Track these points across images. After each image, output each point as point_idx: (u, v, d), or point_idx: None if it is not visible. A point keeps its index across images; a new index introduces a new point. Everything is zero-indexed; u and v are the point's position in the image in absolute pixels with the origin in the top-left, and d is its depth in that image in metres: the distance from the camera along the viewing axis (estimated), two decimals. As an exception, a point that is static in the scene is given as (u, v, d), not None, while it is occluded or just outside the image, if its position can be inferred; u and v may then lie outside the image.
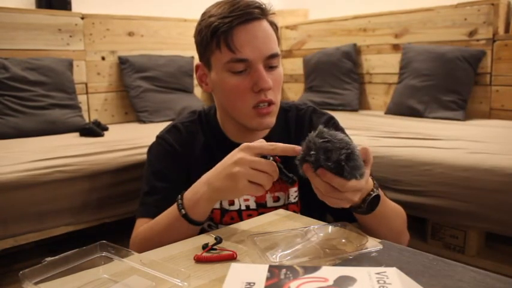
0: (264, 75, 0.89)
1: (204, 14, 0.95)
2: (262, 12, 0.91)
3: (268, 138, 1.00)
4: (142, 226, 0.94)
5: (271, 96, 0.92)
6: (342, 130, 1.06)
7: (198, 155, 1.01)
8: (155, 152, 1.04)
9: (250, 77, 0.90)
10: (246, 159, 0.72)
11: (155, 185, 0.99)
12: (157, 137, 1.05)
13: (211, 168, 1.01)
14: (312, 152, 0.66)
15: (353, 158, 0.65)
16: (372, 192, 0.77)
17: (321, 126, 0.68)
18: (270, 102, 0.92)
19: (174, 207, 0.83)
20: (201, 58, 0.98)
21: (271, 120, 0.95)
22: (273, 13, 0.94)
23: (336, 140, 0.65)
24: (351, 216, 0.85)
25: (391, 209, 0.90)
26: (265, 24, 0.92)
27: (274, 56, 0.92)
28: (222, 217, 0.99)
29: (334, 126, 1.05)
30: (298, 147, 0.70)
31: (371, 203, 0.78)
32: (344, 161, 0.64)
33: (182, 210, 0.81)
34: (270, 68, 0.92)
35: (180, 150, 1.01)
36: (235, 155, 0.74)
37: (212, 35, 0.90)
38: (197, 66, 1.00)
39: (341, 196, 0.68)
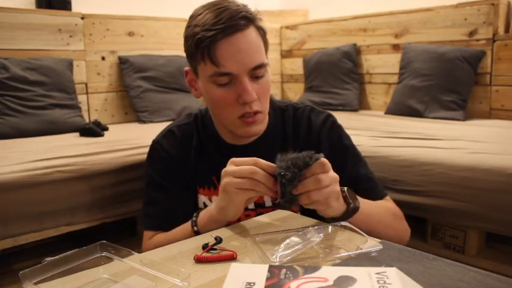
0: (248, 89, 0.88)
1: (190, 18, 0.92)
2: (248, 20, 0.88)
3: (264, 138, 1.01)
4: (155, 238, 0.97)
5: (257, 107, 0.91)
6: (340, 128, 1.06)
7: (193, 158, 1.03)
8: (151, 160, 1.06)
9: (235, 89, 0.89)
10: (228, 170, 0.76)
11: (153, 196, 1.02)
12: (153, 141, 1.06)
13: (206, 169, 1.02)
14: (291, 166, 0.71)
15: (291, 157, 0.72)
16: (343, 188, 0.80)
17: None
18: (256, 112, 0.91)
19: (189, 223, 0.87)
20: (189, 64, 0.97)
21: (258, 127, 0.95)
22: (260, 18, 0.92)
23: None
24: None
25: (374, 205, 0.92)
26: (250, 33, 0.88)
27: (259, 67, 0.89)
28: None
29: (332, 124, 1.05)
30: (273, 165, 0.74)
31: (352, 196, 0.81)
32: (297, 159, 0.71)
33: (195, 227, 0.85)
34: (256, 78, 0.91)
35: (175, 155, 1.02)
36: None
37: (196, 46, 0.88)
38: (186, 72, 0.99)
39: (327, 191, 0.72)
